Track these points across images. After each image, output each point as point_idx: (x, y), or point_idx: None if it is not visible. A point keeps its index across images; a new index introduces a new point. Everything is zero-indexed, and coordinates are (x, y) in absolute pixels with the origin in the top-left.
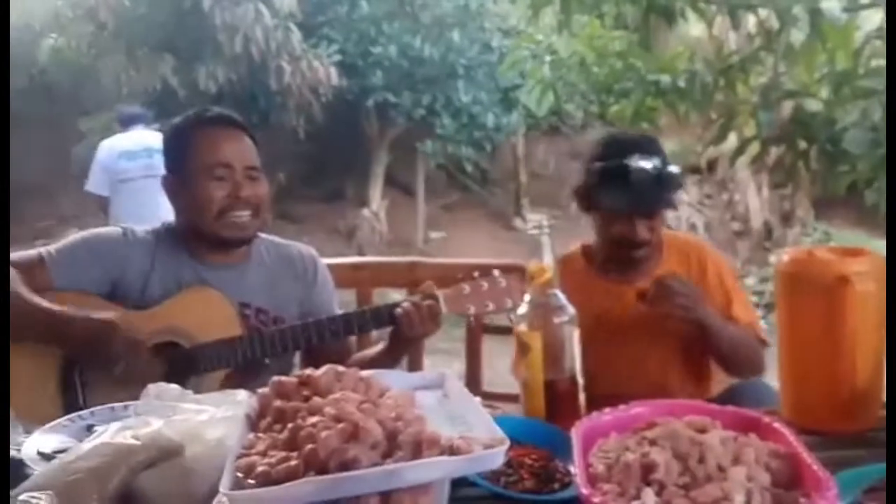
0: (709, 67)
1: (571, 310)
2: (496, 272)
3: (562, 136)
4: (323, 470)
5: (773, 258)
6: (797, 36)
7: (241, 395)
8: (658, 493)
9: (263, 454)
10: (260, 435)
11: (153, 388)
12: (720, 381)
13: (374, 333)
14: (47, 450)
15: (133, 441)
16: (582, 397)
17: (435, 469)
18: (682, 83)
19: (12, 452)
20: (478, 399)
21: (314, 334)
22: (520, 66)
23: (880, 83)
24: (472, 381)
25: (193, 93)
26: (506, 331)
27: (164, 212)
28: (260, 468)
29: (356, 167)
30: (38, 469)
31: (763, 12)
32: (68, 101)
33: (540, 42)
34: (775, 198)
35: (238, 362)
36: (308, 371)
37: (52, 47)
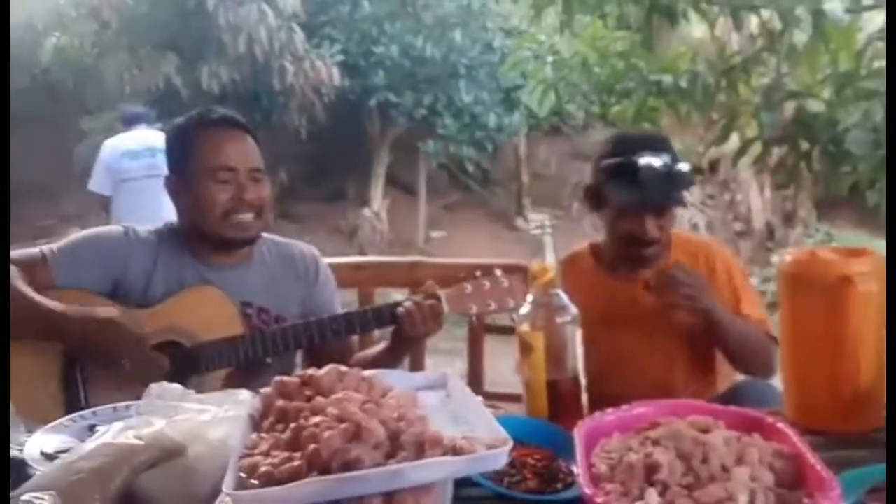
0: (711, 68)
1: (574, 310)
2: (498, 272)
3: (563, 136)
4: (326, 470)
5: (775, 259)
6: (800, 37)
7: (244, 394)
8: (661, 494)
9: (266, 454)
10: (263, 435)
11: (155, 388)
12: (725, 374)
13: (376, 333)
14: (49, 450)
15: (135, 441)
16: (584, 397)
17: (438, 469)
18: (684, 84)
19: (14, 452)
20: (480, 399)
21: (316, 333)
22: (521, 67)
23: (882, 84)
24: (474, 380)
25: (196, 92)
26: (508, 330)
27: (167, 211)
28: (263, 468)
29: (358, 167)
30: (40, 469)
31: (766, 13)
32: (71, 101)
33: (542, 42)
34: (777, 198)
35: (240, 361)
36: (310, 371)
37: (55, 46)
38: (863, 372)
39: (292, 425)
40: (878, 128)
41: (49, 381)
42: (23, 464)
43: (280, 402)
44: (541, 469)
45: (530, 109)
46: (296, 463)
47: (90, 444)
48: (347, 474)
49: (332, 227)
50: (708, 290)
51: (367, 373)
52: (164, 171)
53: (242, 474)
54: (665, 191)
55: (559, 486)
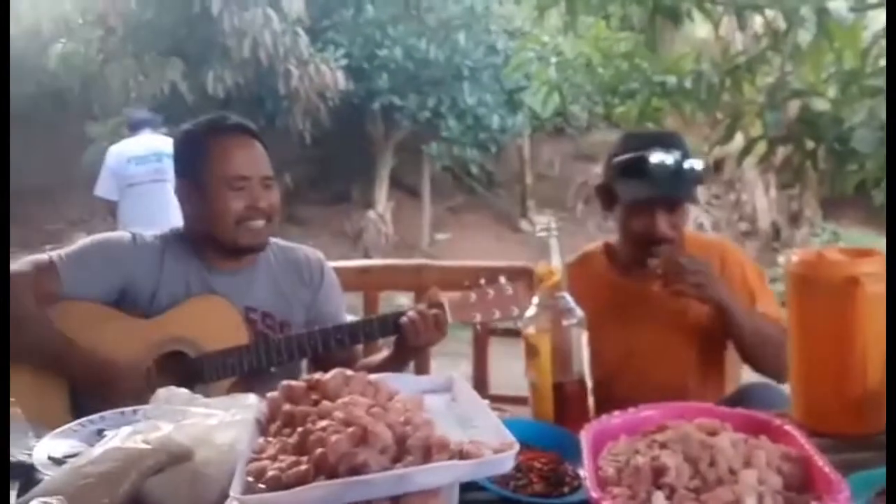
0: (715, 68)
1: (580, 312)
2: (502, 279)
3: (567, 137)
4: (333, 474)
5: (781, 259)
6: (804, 36)
7: (251, 398)
8: (668, 497)
9: (274, 458)
10: (270, 439)
11: (163, 393)
12: (731, 377)
13: (380, 340)
14: (58, 454)
15: (143, 445)
16: (591, 400)
17: (444, 473)
18: (688, 84)
19: (23, 457)
20: (486, 402)
21: (320, 343)
22: (525, 68)
23: None
24: (479, 383)
25: (202, 97)
26: (513, 333)
27: (173, 215)
28: (270, 472)
29: (362, 170)
30: (48, 474)
31: (770, 13)
32: (77, 106)
33: (545, 43)
34: (783, 198)
35: (244, 371)
36: (317, 375)
37: (61, 53)
38: (870, 373)
39: (299, 429)
40: (883, 126)
41: (58, 386)
42: (31, 468)
43: (287, 406)
44: (547, 472)
45: (534, 111)
46: (303, 467)
47: (98, 449)
48: (354, 478)
49: (336, 231)
50: (718, 282)
51: (374, 377)
52: (170, 175)
53: (250, 478)
54: (676, 186)
55: (566, 489)
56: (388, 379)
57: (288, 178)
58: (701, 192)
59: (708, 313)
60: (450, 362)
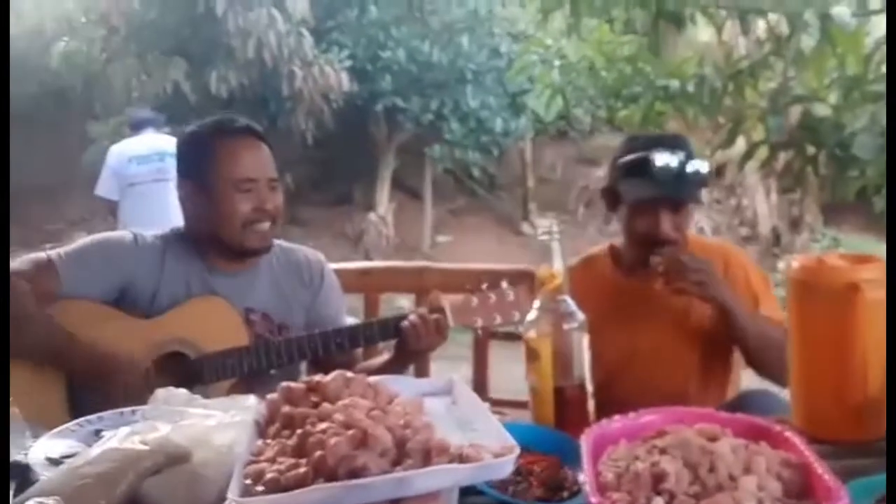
0: (718, 72)
1: (581, 316)
2: (504, 284)
3: (570, 140)
4: (332, 477)
5: (781, 264)
6: (807, 41)
7: (250, 400)
8: (668, 503)
9: (272, 461)
10: (268, 441)
11: (161, 393)
12: (731, 383)
13: (380, 343)
14: (55, 454)
15: (141, 446)
16: (591, 404)
17: (444, 477)
18: (691, 88)
19: (20, 457)
20: (486, 405)
21: (320, 346)
22: (528, 71)
23: None
24: (479, 387)
25: (204, 97)
26: (513, 337)
27: (174, 215)
28: (269, 475)
29: (364, 171)
30: (45, 474)
31: (773, 18)
32: (79, 105)
33: (549, 47)
34: (784, 203)
35: (244, 373)
36: (317, 377)
37: (64, 51)
38: (871, 380)
39: (298, 431)
40: (885, 132)
41: (56, 385)
42: (28, 468)
43: (286, 408)
44: (546, 477)
45: (536, 114)
46: (302, 470)
47: (96, 450)
48: (354, 481)
49: (337, 232)
50: (720, 281)
51: (373, 379)
52: (172, 175)
53: (248, 481)
54: (680, 187)
55: (565, 494)
56: (388, 381)
57: (289, 179)
58: (703, 195)
59: (711, 316)
60: (449, 365)
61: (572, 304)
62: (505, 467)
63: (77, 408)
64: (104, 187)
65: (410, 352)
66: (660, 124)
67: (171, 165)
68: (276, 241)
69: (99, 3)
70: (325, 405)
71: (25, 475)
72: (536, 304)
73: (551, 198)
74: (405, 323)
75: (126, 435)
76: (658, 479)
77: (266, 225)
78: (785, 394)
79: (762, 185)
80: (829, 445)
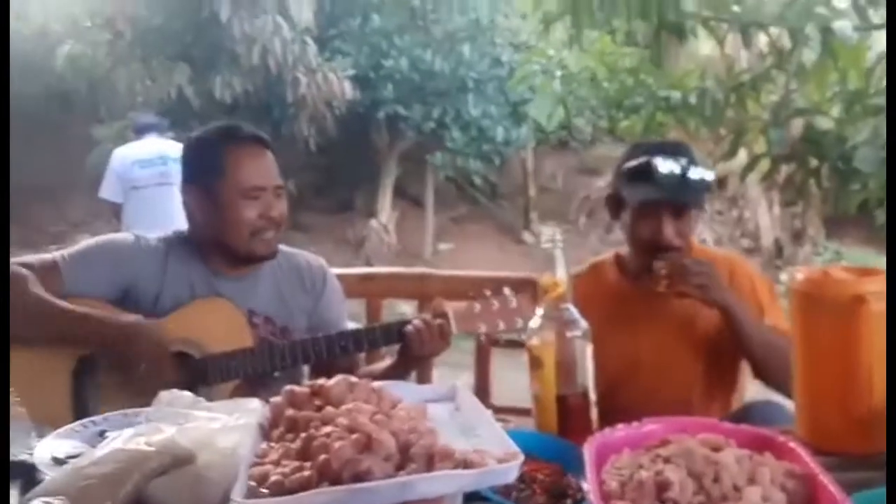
0: (720, 85)
1: (584, 324)
2: (507, 291)
3: (571, 150)
4: (336, 480)
5: (783, 276)
6: (809, 55)
7: (254, 403)
8: None
9: (276, 463)
10: (272, 444)
11: (166, 395)
12: (737, 394)
13: (383, 348)
14: (60, 454)
15: (146, 448)
16: (594, 412)
17: (448, 482)
18: (692, 100)
19: (25, 457)
20: (490, 412)
21: (324, 349)
22: (530, 81)
23: None
24: (482, 394)
25: (208, 102)
26: (515, 344)
27: (176, 219)
28: (273, 477)
29: (366, 178)
30: (50, 474)
31: (775, 31)
32: (84, 109)
33: (551, 57)
34: (786, 216)
35: (247, 374)
36: (320, 381)
37: (69, 55)
38: (876, 392)
39: (303, 435)
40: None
41: (60, 386)
42: (33, 468)
43: (290, 412)
44: (550, 484)
45: (538, 123)
46: (306, 473)
47: (101, 450)
48: (358, 485)
49: (339, 238)
50: (724, 286)
51: (377, 384)
52: (175, 179)
53: (252, 483)
54: (682, 191)
55: (568, 501)
56: (392, 387)
57: (292, 186)
58: (706, 203)
59: (716, 324)
60: (452, 373)
61: (575, 313)
62: (509, 473)
63: (81, 401)
64: (108, 190)
65: (413, 357)
66: (661, 135)
67: (174, 169)
68: (279, 246)
69: (105, 7)
70: (329, 409)
71: (31, 475)
72: (540, 311)
73: (552, 207)
74: (409, 328)
75: (131, 436)
76: (662, 487)
77: (272, 233)
78: (790, 405)
79: (764, 197)
80: (833, 457)
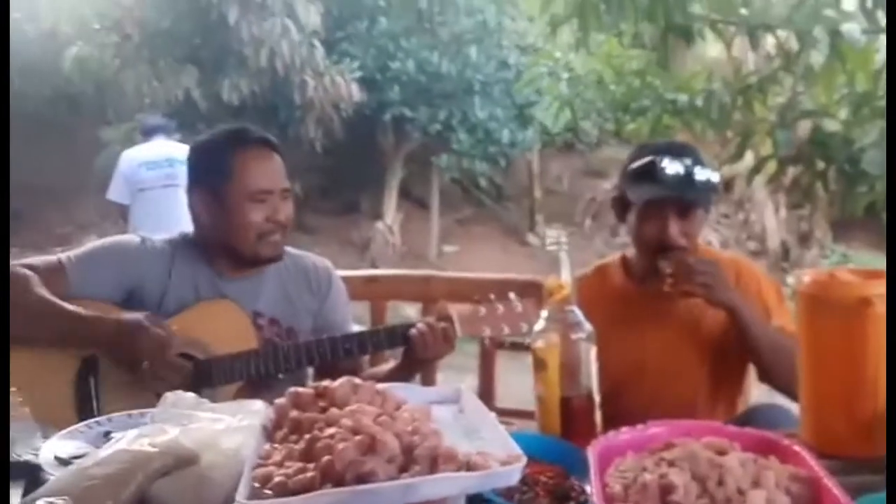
0: (727, 87)
1: (588, 326)
2: (512, 295)
3: (577, 153)
4: (339, 482)
5: (790, 279)
6: (816, 57)
7: (258, 404)
8: None
9: (280, 465)
10: (276, 445)
11: (170, 396)
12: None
13: (387, 351)
14: (64, 455)
15: (149, 448)
16: (598, 415)
17: (452, 484)
18: (699, 102)
19: (29, 457)
20: (493, 414)
21: (328, 351)
22: (536, 83)
23: None
24: (486, 396)
25: (216, 104)
26: (519, 347)
27: (183, 221)
28: (277, 479)
29: (371, 180)
30: (54, 474)
31: (782, 34)
32: (91, 111)
33: (557, 59)
34: (793, 218)
35: (251, 376)
36: (325, 382)
37: (77, 57)
38: (881, 395)
39: (306, 436)
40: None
41: (64, 387)
42: (37, 468)
43: (294, 413)
44: (553, 487)
45: (544, 126)
46: (309, 474)
47: (105, 451)
48: (361, 487)
49: (344, 240)
50: (729, 286)
51: (381, 386)
52: (182, 181)
53: (256, 484)
54: (687, 190)
55: None
56: (396, 389)
57: (298, 187)
58: (711, 204)
59: (722, 327)
60: (456, 375)
61: (580, 315)
62: (512, 476)
63: (83, 401)
64: (115, 192)
65: (417, 360)
66: (668, 138)
67: (181, 171)
68: (286, 248)
69: (113, 9)
70: (333, 410)
71: (35, 475)
72: (544, 313)
73: (558, 209)
74: (413, 331)
75: (135, 437)
76: (666, 490)
77: (278, 236)
78: (794, 408)
79: (771, 199)
80: (838, 461)
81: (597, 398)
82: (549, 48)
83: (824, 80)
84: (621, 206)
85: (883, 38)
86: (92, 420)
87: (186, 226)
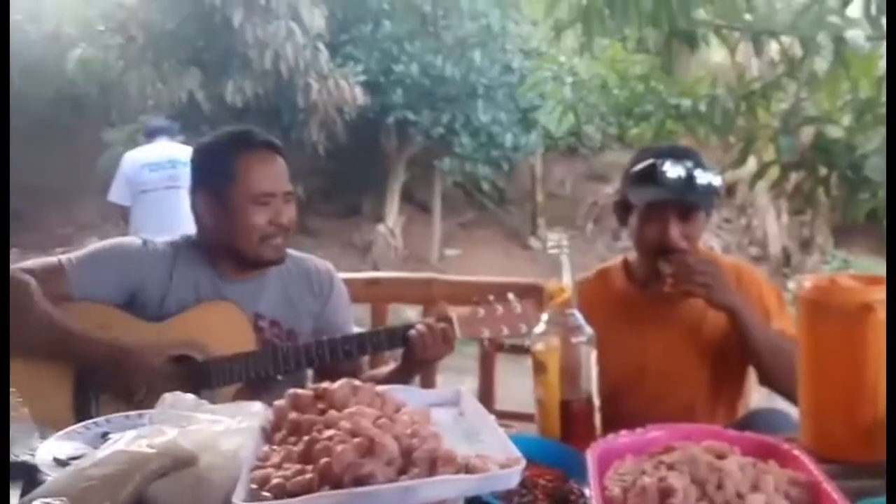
0: (730, 93)
1: (589, 330)
2: (511, 296)
3: (580, 157)
4: (338, 484)
5: (791, 284)
6: (820, 64)
7: (257, 406)
8: None
9: (278, 466)
10: (275, 447)
11: (169, 397)
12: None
13: (387, 352)
14: (62, 456)
15: (148, 450)
16: (598, 418)
17: (450, 487)
18: (702, 108)
19: (27, 457)
20: (493, 417)
21: (328, 352)
22: (540, 88)
23: None
24: (485, 399)
25: (219, 106)
26: (519, 349)
27: (185, 222)
28: (275, 480)
29: (373, 183)
30: (52, 475)
31: (786, 40)
32: (94, 112)
33: (561, 64)
34: (794, 224)
35: (251, 377)
36: (324, 384)
37: (80, 58)
38: (881, 400)
39: (305, 438)
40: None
41: (63, 388)
42: (35, 469)
43: (293, 415)
44: (552, 490)
45: (547, 130)
46: (308, 476)
47: (102, 452)
48: (359, 489)
49: (346, 243)
50: (729, 287)
51: (381, 388)
52: (184, 182)
53: (254, 486)
54: (687, 192)
55: None
56: (396, 391)
57: (300, 190)
58: (713, 208)
59: (723, 330)
60: (456, 378)
61: (580, 318)
62: (511, 479)
63: (83, 402)
64: (117, 193)
65: (417, 361)
66: (671, 142)
67: (183, 173)
68: (287, 250)
69: (118, 11)
70: (332, 412)
71: (32, 475)
72: (545, 317)
73: (560, 213)
74: (412, 332)
75: (133, 438)
76: (665, 494)
77: (280, 239)
78: (794, 412)
79: (773, 205)
80: (838, 465)
81: (596, 402)
82: (553, 52)
83: (828, 86)
84: (623, 209)
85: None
86: (90, 421)
87: (188, 228)
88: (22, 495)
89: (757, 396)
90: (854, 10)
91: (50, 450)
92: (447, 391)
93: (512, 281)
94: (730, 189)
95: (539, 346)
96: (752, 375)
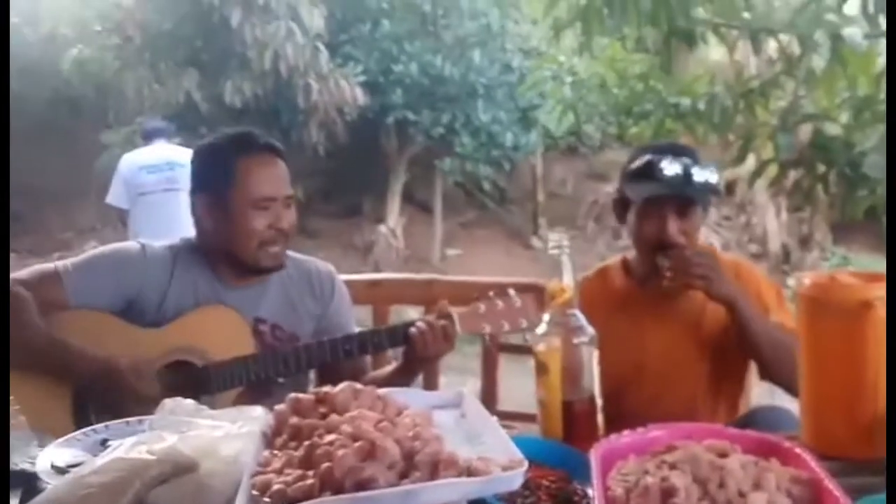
0: (729, 91)
1: (591, 330)
2: (511, 291)
3: (580, 156)
4: (339, 489)
5: (791, 281)
6: (818, 62)
7: (257, 411)
8: None
9: (279, 472)
10: (276, 452)
11: (169, 403)
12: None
13: (390, 352)
14: (61, 463)
15: (147, 456)
16: (600, 418)
17: (452, 490)
18: (701, 106)
19: (26, 465)
20: (495, 419)
21: (328, 353)
22: (540, 87)
23: None
24: (488, 399)
25: (217, 107)
26: (521, 349)
27: (183, 225)
28: (276, 486)
29: (374, 184)
30: (51, 483)
31: (784, 38)
32: (92, 114)
33: (561, 63)
34: (793, 221)
35: (251, 381)
36: (325, 388)
37: (77, 59)
38: (882, 397)
39: (306, 443)
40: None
41: (61, 397)
42: (34, 477)
43: (294, 420)
44: (555, 491)
45: (547, 129)
46: (309, 481)
47: (102, 459)
48: (361, 494)
49: (347, 244)
50: (727, 279)
51: (382, 391)
52: (182, 184)
53: (255, 492)
54: (685, 188)
55: None
56: (397, 393)
57: (300, 191)
58: (711, 213)
59: (723, 326)
60: (458, 378)
61: (582, 319)
62: (514, 481)
63: (82, 416)
64: (115, 196)
65: (418, 359)
66: (670, 141)
67: (181, 175)
68: (288, 253)
69: (115, 12)
70: (334, 416)
71: (32, 484)
72: (546, 317)
73: (561, 212)
74: (413, 329)
75: (132, 444)
76: (667, 493)
77: (279, 246)
78: (795, 410)
79: (772, 202)
80: (839, 462)
81: (599, 402)
82: (553, 52)
83: (826, 84)
84: (621, 206)
85: (884, 42)
86: (89, 428)
87: (187, 230)
88: (21, 503)
89: (758, 391)
90: (851, 8)
91: (49, 457)
92: (449, 393)
93: (513, 281)
94: (729, 187)
95: (540, 347)
96: (752, 372)
